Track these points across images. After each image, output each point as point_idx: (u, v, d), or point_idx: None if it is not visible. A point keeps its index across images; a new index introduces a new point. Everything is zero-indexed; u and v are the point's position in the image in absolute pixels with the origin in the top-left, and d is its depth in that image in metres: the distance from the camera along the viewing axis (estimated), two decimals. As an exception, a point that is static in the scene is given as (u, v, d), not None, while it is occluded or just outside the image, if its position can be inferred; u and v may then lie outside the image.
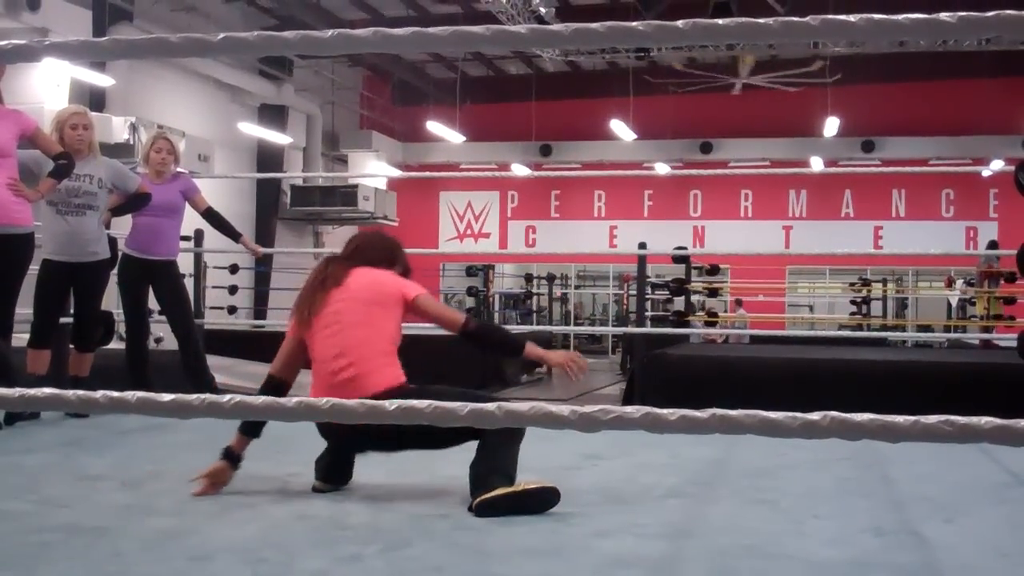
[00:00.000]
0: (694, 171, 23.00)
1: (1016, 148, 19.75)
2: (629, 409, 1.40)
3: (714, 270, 13.36)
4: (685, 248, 15.50)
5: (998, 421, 1.30)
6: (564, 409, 1.41)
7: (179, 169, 6.76)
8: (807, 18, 1.36)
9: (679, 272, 12.38)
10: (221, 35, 1.56)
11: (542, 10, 15.82)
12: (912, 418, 1.31)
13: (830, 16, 1.35)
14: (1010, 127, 20.48)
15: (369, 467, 3.95)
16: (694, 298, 13.20)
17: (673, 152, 22.39)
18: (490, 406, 1.47)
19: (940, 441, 1.29)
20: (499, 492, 3.36)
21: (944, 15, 1.31)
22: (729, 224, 23.11)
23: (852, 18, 1.32)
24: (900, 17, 1.32)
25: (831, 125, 20.35)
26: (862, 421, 1.30)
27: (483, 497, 3.36)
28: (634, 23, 1.39)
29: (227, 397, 1.54)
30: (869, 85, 21.01)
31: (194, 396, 1.55)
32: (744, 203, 23.53)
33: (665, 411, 1.39)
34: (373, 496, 3.65)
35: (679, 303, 12.47)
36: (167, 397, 1.54)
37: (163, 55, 1.60)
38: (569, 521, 3.31)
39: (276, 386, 3.86)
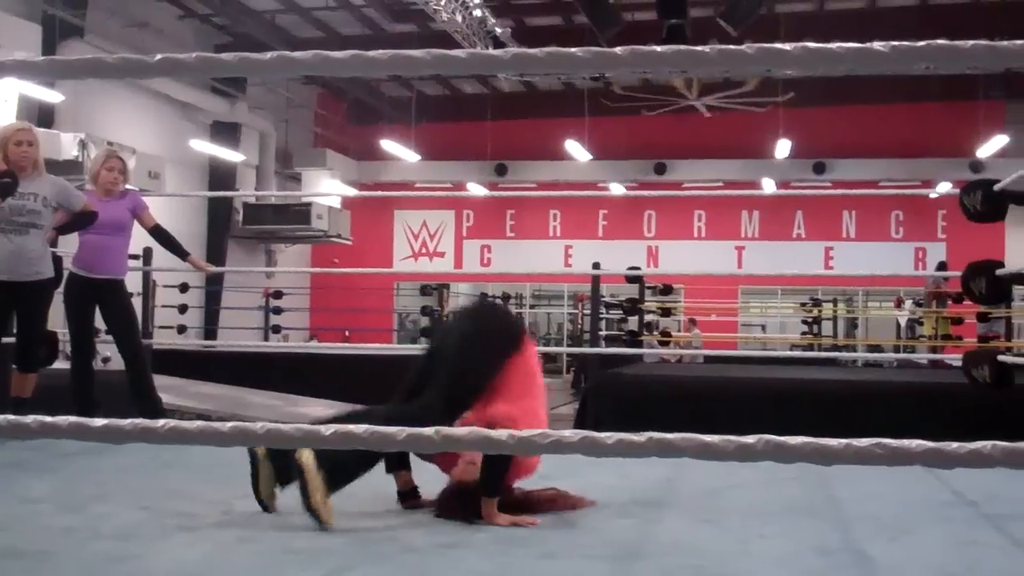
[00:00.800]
0: (648, 192, 23.15)
1: (964, 170, 20.07)
2: (567, 433, 1.40)
3: (667, 290, 13.40)
4: (639, 268, 15.58)
5: (929, 444, 1.31)
6: (502, 433, 1.41)
7: (128, 186, 6.68)
8: (743, 46, 1.37)
9: (633, 292, 12.42)
10: (159, 56, 1.55)
11: (498, 31, 15.88)
12: (845, 441, 1.32)
13: (765, 45, 1.36)
14: (958, 150, 20.82)
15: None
16: (648, 318, 13.25)
17: (627, 172, 22.52)
18: (428, 431, 1.46)
19: (872, 464, 1.30)
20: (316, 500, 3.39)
21: (877, 44, 1.33)
22: (683, 244, 23.29)
23: (787, 47, 1.34)
24: (834, 46, 1.34)
25: (783, 147, 20.56)
26: (796, 444, 1.31)
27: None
28: (573, 49, 1.40)
29: (161, 422, 1.52)
30: (820, 108, 21.27)
31: (127, 421, 1.53)
32: (697, 223, 23.73)
33: (603, 435, 1.39)
34: (320, 518, 3.62)
35: (633, 323, 12.50)
36: (99, 422, 1.52)
37: (100, 76, 1.59)
38: (516, 543, 3.30)
39: None
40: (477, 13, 15.21)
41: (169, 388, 8.10)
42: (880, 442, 1.30)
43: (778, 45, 1.35)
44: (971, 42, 1.42)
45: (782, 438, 1.34)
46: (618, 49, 1.38)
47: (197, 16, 18.35)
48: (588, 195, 22.92)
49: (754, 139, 21.43)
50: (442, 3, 14.32)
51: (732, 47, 1.36)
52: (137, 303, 7.44)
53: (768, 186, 21.29)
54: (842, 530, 3.61)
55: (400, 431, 1.44)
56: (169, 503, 3.80)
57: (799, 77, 18.78)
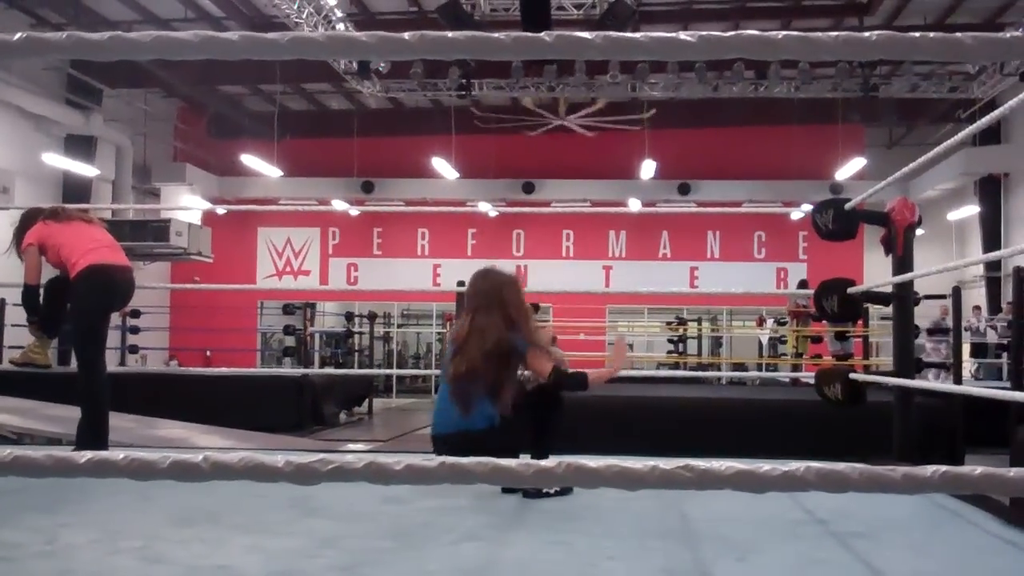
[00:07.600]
0: (517, 209, 23.20)
1: (824, 192, 20.59)
2: (350, 458, 1.27)
3: (535, 308, 13.34)
4: (506, 286, 15.48)
5: (738, 466, 1.23)
6: (278, 460, 1.27)
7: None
8: (676, 33, 1.27)
9: (499, 310, 12.33)
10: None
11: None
12: (651, 463, 1.23)
13: (661, 34, 1.26)
14: (818, 172, 21.40)
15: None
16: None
17: (496, 191, 22.55)
18: (196, 457, 1.31)
19: (679, 488, 1.21)
20: None
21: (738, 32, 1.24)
22: (551, 263, 23.37)
23: (588, 35, 1.24)
24: (685, 35, 1.24)
25: (648, 167, 20.82)
26: (597, 467, 1.21)
27: None
28: (358, 34, 1.27)
29: None
30: (684, 129, 21.64)
31: None
32: (566, 243, 23.86)
33: (390, 459, 1.27)
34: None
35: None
36: None
37: None
38: (356, 571, 3.15)
39: None
40: (340, 27, 15.04)
41: (20, 410, 7.71)
42: (688, 463, 1.21)
43: (579, 33, 1.25)
44: (832, 33, 1.34)
45: (582, 460, 1.24)
46: (406, 34, 1.26)
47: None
48: (457, 211, 22.85)
49: (620, 160, 21.69)
50: (303, 16, 14.10)
51: (669, 34, 1.25)
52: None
53: (634, 206, 21.53)
54: (691, 550, 3.56)
55: (204, 459, 1.29)
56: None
57: (663, 99, 19.06)
